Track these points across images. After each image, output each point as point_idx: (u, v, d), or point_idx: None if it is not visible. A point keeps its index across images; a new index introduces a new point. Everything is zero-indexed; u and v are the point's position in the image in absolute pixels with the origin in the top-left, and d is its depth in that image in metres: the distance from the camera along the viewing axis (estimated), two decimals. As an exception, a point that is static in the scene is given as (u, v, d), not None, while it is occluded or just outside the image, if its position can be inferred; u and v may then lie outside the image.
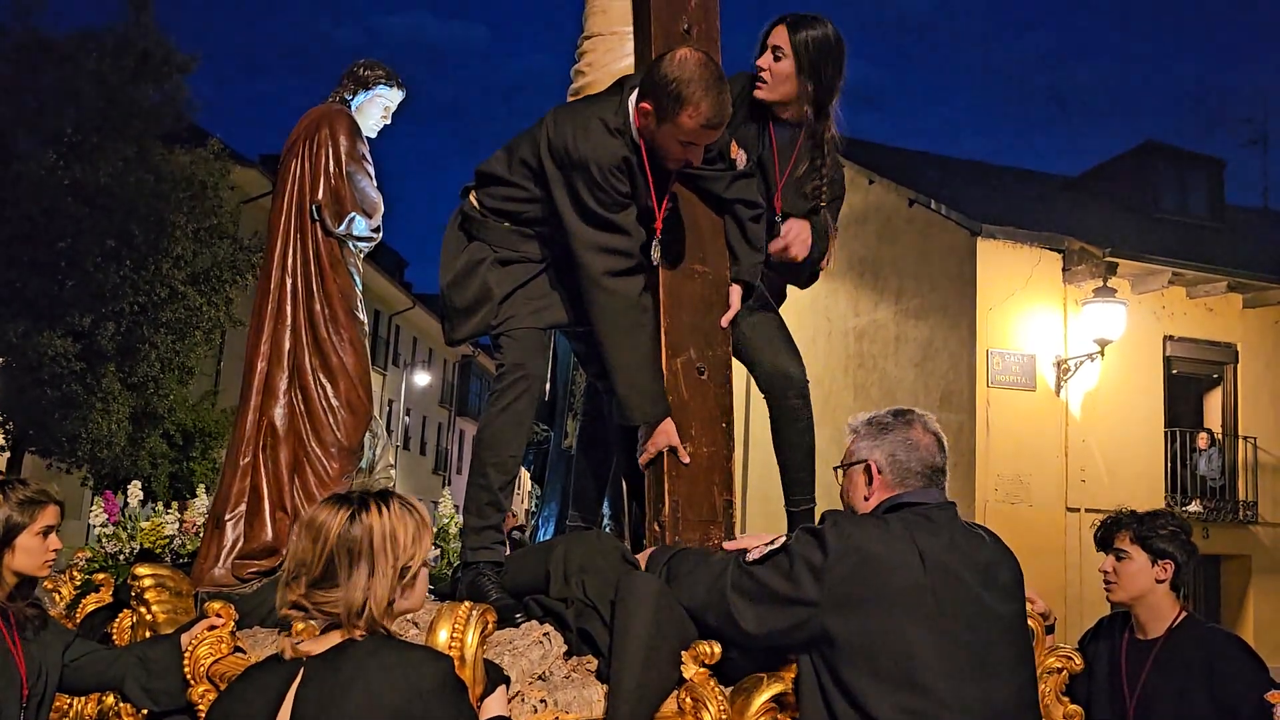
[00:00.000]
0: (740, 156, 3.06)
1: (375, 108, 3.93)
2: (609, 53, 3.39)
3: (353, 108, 3.86)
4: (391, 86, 3.95)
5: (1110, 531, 2.92)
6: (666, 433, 2.80)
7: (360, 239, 3.69)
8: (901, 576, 2.01)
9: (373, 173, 3.77)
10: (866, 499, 2.24)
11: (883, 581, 2.01)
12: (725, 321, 3.02)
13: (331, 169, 3.63)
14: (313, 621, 1.74)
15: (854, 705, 1.97)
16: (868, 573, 2.01)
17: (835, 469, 2.37)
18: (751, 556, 2.19)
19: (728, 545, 2.80)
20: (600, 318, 2.78)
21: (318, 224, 3.60)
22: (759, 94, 3.15)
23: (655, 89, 2.65)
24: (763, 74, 3.12)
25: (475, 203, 2.97)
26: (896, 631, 1.97)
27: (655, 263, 2.89)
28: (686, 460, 2.82)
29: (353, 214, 3.62)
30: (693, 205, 3.03)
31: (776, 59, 3.10)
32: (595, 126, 2.76)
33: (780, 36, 3.10)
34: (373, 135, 3.93)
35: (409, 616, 2.40)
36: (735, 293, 3.04)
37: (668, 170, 2.82)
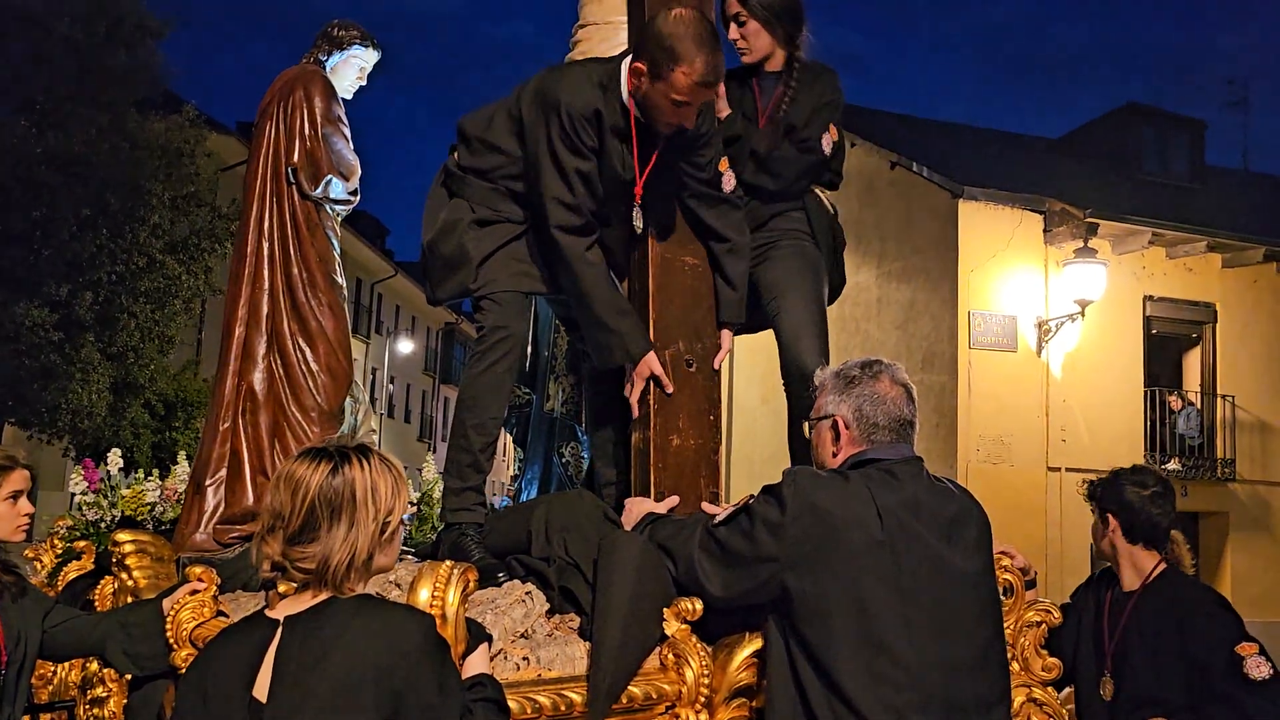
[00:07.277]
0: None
1: (350, 69, 3.86)
2: (604, 42, 3.33)
3: (327, 69, 3.79)
4: (367, 47, 3.87)
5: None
6: (649, 363, 2.80)
7: (337, 202, 3.64)
8: (859, 534, 1.99)
9: (349, 135, 3.71)
10: (835, 455, 2.19)
11: (840, 539, 1.99)
12: (718, 362, 3.01)
13: (307, 131, 3.57)
14: (293, 583, 1.71)
15: (813, 663, 1.97)
16: (825, 531, 2.00)
17: (804, 424, 2.36)
18: (718, 519, 2.18)
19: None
20: (562, 270, 2.80)
21: (293, 187, 3.54)
22: (746, 60, 3.26)
23: (650, 46, 2.63)
24: (739, 44, 3.24)
25: (455, 159, 2.96)
26: (854, 590, 1.96)
27: (637, 230, 2.87)
28: (670, 390, 2.83)
29: (329, 176, 3.56)
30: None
31: (741, 24, 3.21)
32: (579, 76, 2.77)
33: (733, 4, 3.22)
34: (348, 97, 3.85)
35: (390, 577, 2.40)
36: (726, 337, 3.03)
37: (654, 138, 2.80)
